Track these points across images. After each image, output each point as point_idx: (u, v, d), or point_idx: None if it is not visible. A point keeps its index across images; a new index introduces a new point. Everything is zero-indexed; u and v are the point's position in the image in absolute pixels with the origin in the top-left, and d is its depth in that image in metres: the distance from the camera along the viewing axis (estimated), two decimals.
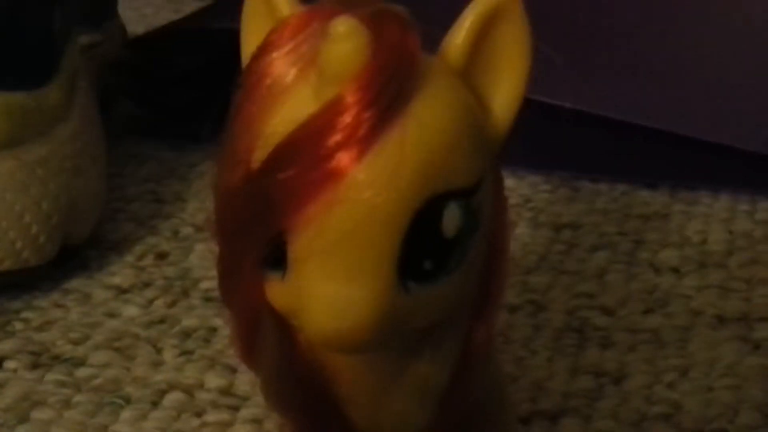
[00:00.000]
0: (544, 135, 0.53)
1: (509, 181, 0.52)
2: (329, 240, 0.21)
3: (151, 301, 0.42)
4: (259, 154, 0.22)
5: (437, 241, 0.22)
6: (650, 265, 0.44)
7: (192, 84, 0.53)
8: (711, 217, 0.48)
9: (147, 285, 0.43)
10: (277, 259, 0.22)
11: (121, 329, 0.40)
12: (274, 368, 0.24)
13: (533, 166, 0.52)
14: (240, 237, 0.23)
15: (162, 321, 0.40)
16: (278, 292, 0.23)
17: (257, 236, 0.22)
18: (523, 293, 0.43)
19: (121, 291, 0.42)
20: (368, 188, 0.21)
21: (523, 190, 0.50)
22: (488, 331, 0.25)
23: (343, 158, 0.21)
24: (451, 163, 0.22)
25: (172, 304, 0.41)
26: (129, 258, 0.44)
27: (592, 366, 0.38)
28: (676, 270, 0.44)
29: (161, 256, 0.45)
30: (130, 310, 0.41)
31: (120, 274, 0.43)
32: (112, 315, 0.41)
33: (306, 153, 0.21)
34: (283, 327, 0.23)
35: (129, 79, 0.55)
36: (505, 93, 0.24)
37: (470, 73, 0.24)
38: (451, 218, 0.22)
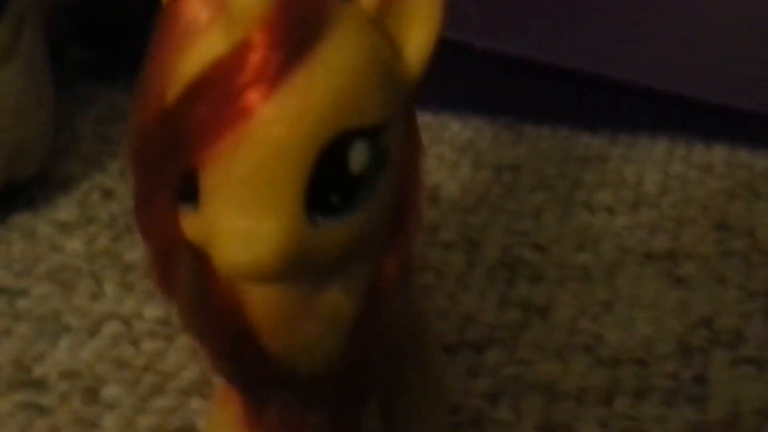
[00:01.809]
0: (490, 80, 0.54)
1: (454, 125, 0.54)
2: (238, 174, 0.22)
3: (94, 236, 0.42)
4: (173, 92, 0.23)
5: (345, 177, 0.23)
6: (585, 205, 0.45)
7: (143, 28, 0.54)
8: (648, 160, 0.49)
9: (91, 221, 0.43)
10: (190, 192, 0.23)
11: (63, 263, 0.41)
12: (190, 297, 0.25)
13: (479, 110, 0.53)
14: (154, 171, 0.24)
15: (104, 255, 0.41)
16: (192, 224, 0.24)
17: (170, 170, 0.23)
18: (460, 231, 0.44)
19: (66, 226, 0.43)
20: (276, 125, 0.22)
21: (467, 134, 0.51)
22: (398, 265, 0.26)
23: (252, 96, 0.22)
24: (358, 103, 0.23)
25: (115, 239, 0.42)
26: (75, 195, 0.45)
27: (521, 300, 0.39)
28: (609, 210, 0.45)
29: (107, 193, 0.45)
30: (74, 245, 0.42)
31: (65, 210, 0.44)
32: (55, 249, 0.42)
33: (216, 91, 0.22)
34: (198, 257, 0.24)
35: (81, 24, 0.56)
36: (418, 37, 0.25)
37: (383, 18, 0.25)
38: (358, 155, 0.23)
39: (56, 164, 0.47)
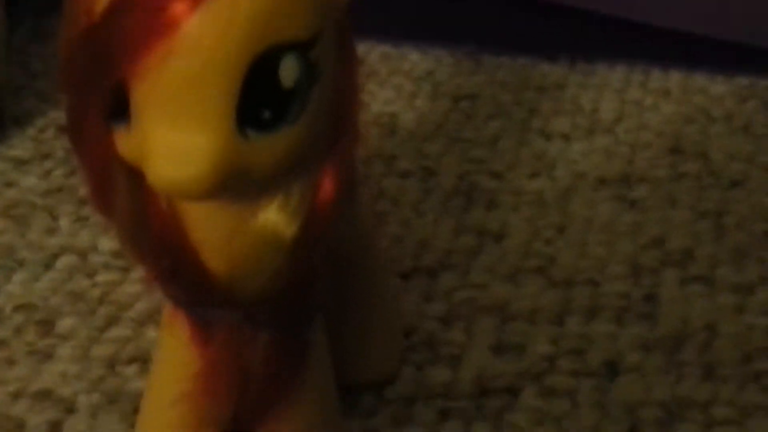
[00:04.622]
0: (450, 10, 0.54)
1: (414, 56, 0.54)
2: (168, 89, 0.22)
3: (49, 172, 0.42)
4: (98, 6, 0.23)
5: (276, 92, 0.23)
6: (542, 132, 0.46)
7: None
8: (605, 87, 0.49)
9: (46, 156, 0.43)
10: (123, 110, 0.23)
11: (18, 198, 0.41)
12: (128, 217, 0.25)
13: (439, 41, 0.53)
14: (83, 87, 0.23)
15: (59, 190, 0.41)
16: (125, 142, 0.24)
17: (99, 86, 0.23)
18: (416, 160, 0.44)
19: (21, 162, 0.43)
20: (203, 38, 0.22)
21: (426, 64, 0.51)
22: (337, 181, 0.26)
23: (178, 8, 0.22)
24: (286, 16, 0.23)
25: (69, 174, 0.42)
26: (30, 131, 0.45)
27: (476, 226, 0.40)
28: (565, 137, 0.45)
29: (63, 129, 0.45)
30: (29, 181, 0.42)
31: (20, 146, 0.44)
32: (9, 185, 0.41)
33: (142, 3, 0.22)
34: (134, 176, 0.24)
35: None
36: None
37: None
38: (289, 69, 0.23)
39: (10, 101, 0.47)
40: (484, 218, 0.40)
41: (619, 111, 0.47)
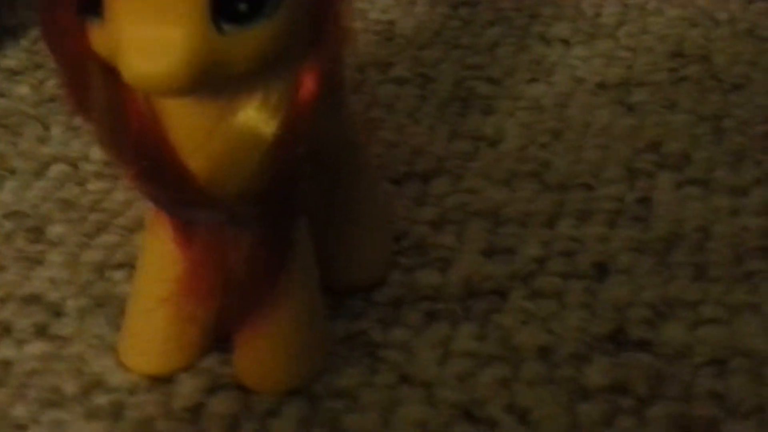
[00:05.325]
0: None
1: None
2: None
3: (41, 82, 0.42)
4: None
5: None
6: (541, 37, 0.45)
7: None
8: None
9: (39, 67, 0.43)
10: (95, 4, 0.23)
11: (10, 108, 0.40)
12: (105, 116, 0.25)
13: None
14: None
15: (52, 100, 0.41)
16: (99, 37, 0.23)
17: None
18: (413, 67, 0.43)
19: (14, 72, 0.43)
20: None
21: None
22: (318, 79, 0.25)
23: None
24: None
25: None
26: (24, 42, 0.45)
27: (472, 131, 0.39)
28: (566, 41, 0.44)
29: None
30: (21, 90, 0.41)
31: (13, 57, 0.44)
32: (2, 95, 0.41)
33: None
34: (111, 74, 0.24)
35: None
36: None
37: None
38: None
39: (3, 11, 0.46)
40: (479, 124, 0.39)
41: (621, 15, 0.46)
